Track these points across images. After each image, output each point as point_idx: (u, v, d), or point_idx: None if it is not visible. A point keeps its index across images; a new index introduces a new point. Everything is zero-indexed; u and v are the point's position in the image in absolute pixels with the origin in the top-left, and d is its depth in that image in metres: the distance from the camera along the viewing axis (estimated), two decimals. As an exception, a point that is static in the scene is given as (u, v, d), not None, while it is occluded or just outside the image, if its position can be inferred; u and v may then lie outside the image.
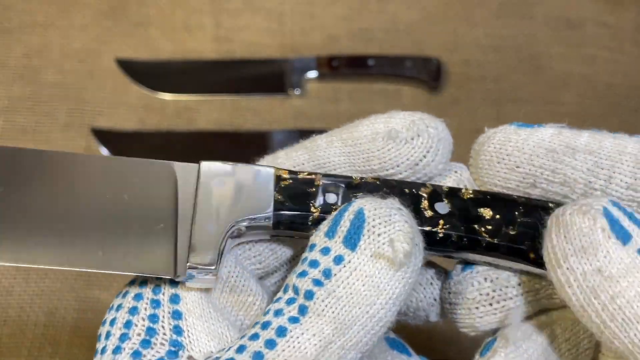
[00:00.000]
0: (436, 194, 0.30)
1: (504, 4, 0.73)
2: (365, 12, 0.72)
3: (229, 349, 0.27)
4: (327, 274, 0.27)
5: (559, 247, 0.26)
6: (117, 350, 0.27)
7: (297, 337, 0.26)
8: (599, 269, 0.26)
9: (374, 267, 0.27)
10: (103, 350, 0.28)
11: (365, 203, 0.28)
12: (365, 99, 0.67)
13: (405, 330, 0.33)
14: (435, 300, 0.32)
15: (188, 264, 0.28)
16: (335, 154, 0.31)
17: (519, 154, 0.30)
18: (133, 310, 0.29)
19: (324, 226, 0.28)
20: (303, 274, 0.27)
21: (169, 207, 0.29)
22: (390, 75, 0.68)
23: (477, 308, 0.31)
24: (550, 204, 0.30)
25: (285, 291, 0.28)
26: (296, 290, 0.27)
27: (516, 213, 0.30)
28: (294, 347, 0.26)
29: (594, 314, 0.26)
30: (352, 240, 0.27)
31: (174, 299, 0.29)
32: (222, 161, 0.30)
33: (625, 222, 0.26)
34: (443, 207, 0.30)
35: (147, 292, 0.29)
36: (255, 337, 0.27)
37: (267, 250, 0.32)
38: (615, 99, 0.69)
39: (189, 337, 0.28)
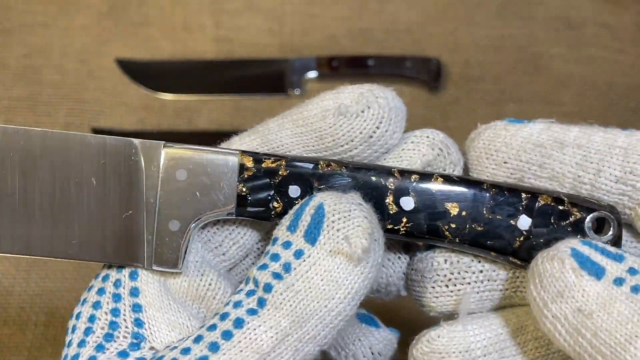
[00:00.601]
0: (403, 186, 0.29)
1: (504, 4, 0.73)
2: (365, 12, 0.72)
3: (187, 339, 0.27)
4: (287, 267, 0.27)
5: (540, 298, 0.26)
6: (81, 343, 0.28)
7: (254, 329, 0.27)
8: (579, 309, 0.25)
9: (333, 262, 0.27)
10: (69, 344, 0.29)
11: (326, 198, 0.28)
12: (365, 99, 0.67)
13: (397, 320, 0.33)
14: (404, 274, 0.32)
15: (153, 266, 0.29)
16: (287, 135, 0.31)
17: (506, 150, 0.30)
18: (96, 305, 0.29)
19: (286, 220, 0.29)
20: (264, 267, 0.28)
21: (135, 192, 0.29)
22: (390, 75, 0.68)
23: (433, 288, 0.31)
24: (524, 195, 0.29)
25: (246, 283, 0.28)
26: (256, 283, 0.28)
27: (484, 210, 0.29)
28: (250, 338, 0.26)
29: (586, 355, 0.25)
30: (312, 235, 0.27)
31: (134, 292, 0.29)
32: (186, 146, 0.30)
33: (598, 257, 0.26)
34: (408, 203, 0.29)
35: (109, 286, 0.30)
36: (213, 327, 0.27)
37: (228, 240, 0.32)
38: (615, 99, 0.69)
39: (149, 328, 0.29)
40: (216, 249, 0.32)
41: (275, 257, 0.28)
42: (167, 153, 0.29)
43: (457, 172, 0.31)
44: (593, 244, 0.27)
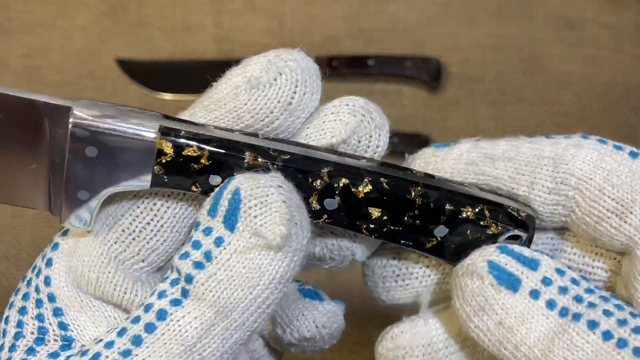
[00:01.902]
0: (330, 189, 0.28)
1: (504, 4, 0.73)
2: (365, 12, 0.72)
3: (112, 331, 0.27)
4: (208, 256, 0.26)
5: (463, 310, 0.28)
6: (12, 348, 0.28)
7: (178, 321, 0.26)
8: (500, 322, 0.27)
9: (254, 250, 0.26)
10: (1, 348, 0.29)
11: (243, 181, 0.27)
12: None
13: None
14: (356, 235, 0.31)
15: (61, 225, 0.29)
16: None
17: (439, 175, 0.30)
18: (22, 310, 0.29)
19: (207, 203, 0.27)
20: (185, 255, 0.27)
21: (39, 149, 0.28)
22: (390, 75, 0.68)
23: (383, 283, 0.32)
24: (449, 207, 0.29)
25: (171, 271, 0.27)
26: (179, 272, 0.27)
27: (406, 217, 0.29)
28: (173, 330, 0.26)
29: None
30: (230, 221, 0.26)
31: (51, 298, 0.29)
32: (98, 119, 0.27)
33: (514, 267, 0.27)
34: (332, 204, 0.28)
35: (32, 291, 0.29)
36: (136, 320, 0.27)
37: (144, 250, 0.30)
38: (615, 99, 0.69)
39: (75, 329, 0.28)
40: (133, 257, 0.30)
41: (196, 245, 0.27)
42: (76, 124, 0.27)
43: (383, 136, 0.30)
44: (509, 250, 0.28)
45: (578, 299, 0.27)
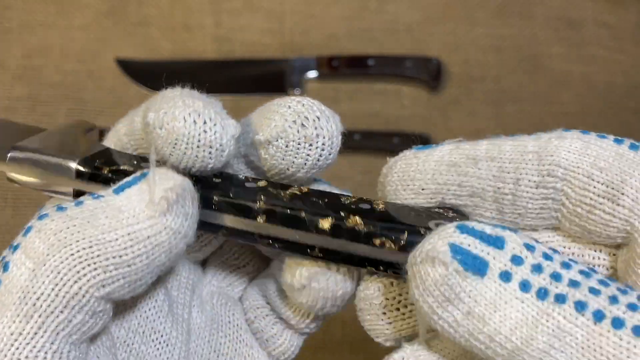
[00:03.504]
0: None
1: (504, 4, 0.73)
2: (365, 12, 0.72)
3: None
4: (78, 203, 0.25)
5: (424, 301, 0.25)
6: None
7: (14, 264, 0.25)
8: (469, 312, 0.24)
9: (126, 199, 0.25)
10: None
11: (154, 170, 0.27)
12: (365, 99, 0.67)
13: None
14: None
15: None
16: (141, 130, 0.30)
17: (421, 176, 0.29)
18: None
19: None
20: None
21: None
22: (390, 75, 0.68)
23: (384, 313, 0.29)
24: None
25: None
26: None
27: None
28: (10, 279, 0.24)
29: (480, 352, 0.24)
30: (121, 187, 0.26)
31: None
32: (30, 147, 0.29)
33: (478, 248, 0.24)
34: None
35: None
36: None
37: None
38: (615, 99, 0.69)
39: None
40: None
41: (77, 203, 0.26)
42: (11, 158, 0.29)
43: (316, 148, 0.29)
44: (470, 229, 0.25)
45: (556, 277, 0.24)
